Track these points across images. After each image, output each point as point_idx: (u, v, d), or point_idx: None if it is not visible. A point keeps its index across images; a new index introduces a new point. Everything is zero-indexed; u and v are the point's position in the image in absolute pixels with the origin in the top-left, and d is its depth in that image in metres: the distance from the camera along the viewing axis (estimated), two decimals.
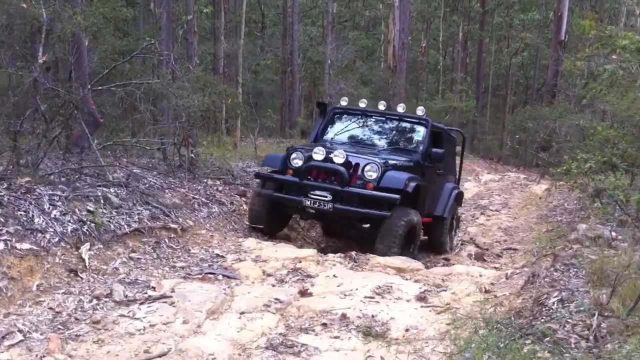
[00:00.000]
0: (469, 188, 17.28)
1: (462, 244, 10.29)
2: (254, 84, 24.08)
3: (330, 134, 9.23)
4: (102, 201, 6.56)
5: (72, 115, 8.23)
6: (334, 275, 6.33)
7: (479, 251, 9.56)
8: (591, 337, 3.88)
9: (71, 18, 8.56)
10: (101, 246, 5.94)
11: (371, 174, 7.71)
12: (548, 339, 3.91)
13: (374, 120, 9.39)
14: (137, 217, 6.75)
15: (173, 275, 5.99)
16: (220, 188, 9.14)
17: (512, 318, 4.61)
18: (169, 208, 7.38)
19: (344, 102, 9.42)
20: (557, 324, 4.12)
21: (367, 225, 8.00)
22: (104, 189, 6.94)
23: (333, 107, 9.64)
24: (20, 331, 4.26)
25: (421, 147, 8.80)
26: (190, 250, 6.92)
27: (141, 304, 5.02)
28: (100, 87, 8.97)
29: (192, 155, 9.63)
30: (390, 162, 8.07)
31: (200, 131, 11.78)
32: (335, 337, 4.68)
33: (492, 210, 13.71)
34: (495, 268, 8.02)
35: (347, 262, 7.03)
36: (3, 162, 7.02)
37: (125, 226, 6.45)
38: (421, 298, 5.68)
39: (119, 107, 10.94)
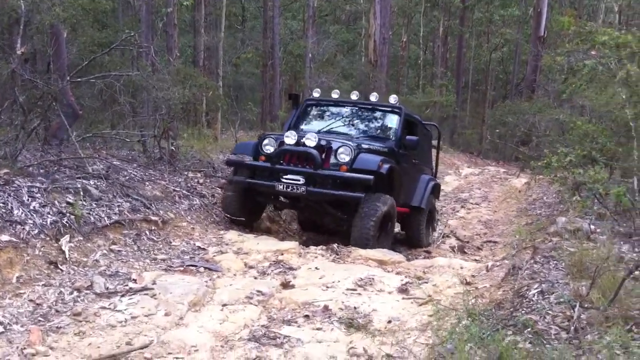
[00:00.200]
0: (449, 182, 17.38)
1: (443, 237, 10.33)
2: (235, 77, 23.98)
3: (303, 125, 9.16)
4: (81, 193, 6.50)
5: (51, 106, 8.14)
6: (316, 268, 6.33)
7: (459, 244, 9.62)
8: (572, 329, 3.91)
9: (50, 9, 8.45)
10: (81, 238, 5.88)
11: (344, 156, 7.64)
12: (529, 330, 3.93)
13: (347, 110, 9.38)
14: (117, 209, 6.70)
15: (154, 268, 5.95)
16: (201, 181, 9.10)
17: (493, 309, 4.64)
18: (150, 200, 7.32)
19: (316, 94, 9.41)
20: (538, 316, 4.15)
21: (343, 215, 7.99)
22: (84, 180, 6.88)
23: (306, 99, 9.64)
24: (0, 323, 4.22)
25: (395, 135, 8.77)
26: (171, 242, 6.88)
27: (122, 296, 4.98)
28: (79, 79, 8.88)
29: (173, 147, 9.57)
30: (363, 146, 8.01)
31: (181, 124, 11.71)
32: (318, 329, 4.69)
33: (472, 203, 13.80)
34: (476, 260, 8.07)
35: (329, 254, 7.03)
36: None
37: (106, 218, 6.40)
38: (403, 290, 5.70)
39: (98, 99, 10.84)
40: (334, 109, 9.41)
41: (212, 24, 21.42)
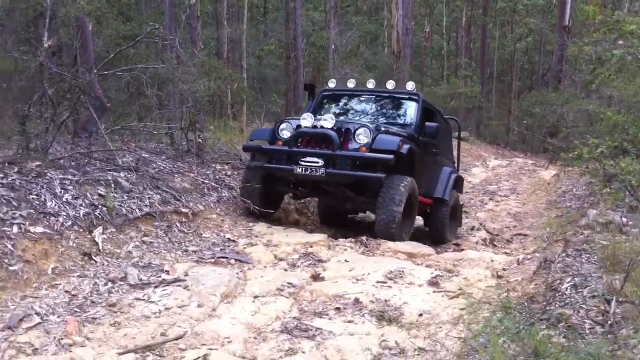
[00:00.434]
0: (477, 174, 17.29)
1: (472, 230, 10.27)
2: (258, 69, 23.99)
3: (319, 115, 8.98)
4: (112, 185, 6.56)
5: (79, 99, 8.20)
6: (346, 260, 6.34)
7: (489, 236, 9.55)
8: (607, 323, 3.87)
9: (74, 2, 8.51)
10: (114, 230, 5.94)
11: (363, 137, 7.52)
12: (562, 324, 3.90)
13: (363, 99, 9.25)
14: (148, 201, 6.75)
15: (186, 259, 6.00)
16: (228, 173, 9.12)
17: (526, 303, 4.60)
18: (179, 192, 7.37)
19: (332, 84, 9.32)
20: (571, 310, 4.11)
21: (365, 198, 7.89)
22: (114, 173, 6.94)
23: (321, 89, 9.52)
24: (37, 314, 4.27)
25: (413, 121, 8.63)
26: (201, 234, 6.92)
27: (155, 287, 5.02)
28: (106, 72, 8.92)
29: (200, 140, 9.61)
30: (382, 128, 7.87)
31: (207, 116, 11.75)
32: (349, 322, 4.69)
33: (500, 195, 13.72)
34: (506, 253, 8.01)
35: (358, 246, 7.04)
36: (13, 147, 7.00)
37: (137, 210, 6.45)
38: (433, 283, 5.69)
39: (125, 92, 10.90)
40: (350, 99, 9.31)
41: (235, 15, 21.46)
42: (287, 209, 9.07)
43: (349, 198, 8.01)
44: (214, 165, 9.21)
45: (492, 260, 6.76)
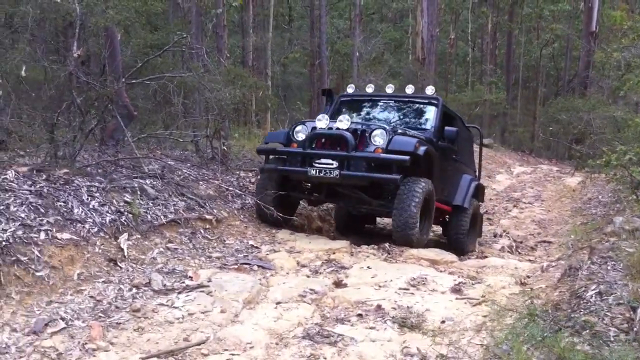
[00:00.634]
0: (501, 180, 17.18)
1: (495, 237, 10.21)
2: (283, 77, 24.12)
3: None
4: (138, 192, 6.65)
5: (107, 108, 8.33)
6: (368, 267, 6.34)
7: (513, 244, 9.47)
8: (632, 330, 3.84)
9: (103, 12, 8.64)
10: (139, 236, 6.03)
11: (378, 139, 7.37)
12: (587, 331, 3.87)
13: (382, 104, 9.10)
14: (173, 208, 6.84)
15: (209, 265, 6.06)
16: (252, 180, 9.18)
17: (550, 310, 4.57)
18: (204, 199, 7.44)
19: (350, 90, 9.23)
20: (596, 317, 4.08)
21: (381, 202, 7.74)
22: (140, 180, 7.03)
23: (340, 95, 9.41)
24: (62, 319, 4.35)
25: (432, 125, 8.45)
26: (225, 240, 6.99)
27: (179, 293, 5.09)
28: (134, 81, 9.04)
29: (224, 147, 9.69)
30: (399, 130, 7.72)
31: (232, 124, 11.84)
32: (371, 328, 4.69)
33: (525, 202, 13.61)
34: (530, 261, 7.95)
35: (381, 253, 7.04)
36: (41, 154, 7.14)
37: (162, 217, 6.54)
38: (456, 290, 5.66)
39: (152, 100, 11.03)
40: (369, 104, 9.17)
41: (260, 24, 21.62)
42: (310, 216, 9.11)
43: (365, 202, 7.87)
44: (238, 172, 9.29)
45: (515, 268, 6.72)
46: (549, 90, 33.92)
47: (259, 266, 6.18)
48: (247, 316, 4.84)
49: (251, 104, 13.90)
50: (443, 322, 4.83)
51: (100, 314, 4.56)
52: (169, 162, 8.36)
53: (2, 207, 5.07)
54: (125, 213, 6.12)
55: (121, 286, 5.09)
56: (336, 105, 9.10)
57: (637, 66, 9.69)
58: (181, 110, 10.24)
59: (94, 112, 8.12)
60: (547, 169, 19.88)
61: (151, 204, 6.63)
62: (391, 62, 26.72)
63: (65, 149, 7.13)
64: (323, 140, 7.58)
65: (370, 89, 9.17)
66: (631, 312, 4.02)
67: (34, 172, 6.11)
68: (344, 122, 7.43)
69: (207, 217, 7.16)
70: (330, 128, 7.49)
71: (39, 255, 4.84)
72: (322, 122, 7.52)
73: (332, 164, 7.32)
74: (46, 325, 4.21)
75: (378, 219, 10.25)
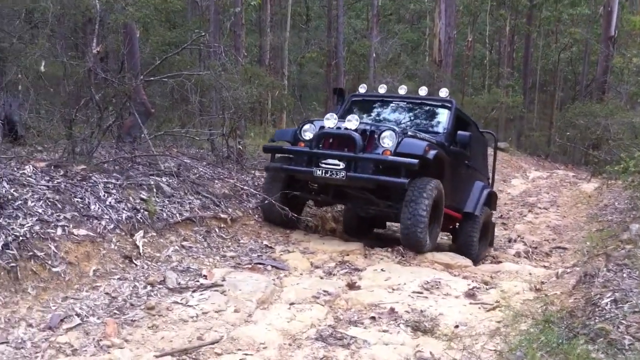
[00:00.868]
0: (516, 185, 17.11)
1: (510, 242, 10.16)
2: (299, 77, 24.15)
3: None
4: (154, 190, 6.69)
5: (125, 105, 8.38)
6: (382, 270, 6.34)
7: (527, 249, 9.41)
8: None
9: (124, 9, 8.70)
10: (154, 234, 6.06)
11: (387, 141, 7.14)
12: (602, 339, 3.85)
13: (394, 105, 8.88)
14: (188, 206, 6.87)
15: (223, 264, 6.09)
16: None
17: (564, 317, 4.54)
18: (219, 198, 7.47)
19: (362, 89, 9.02)
20: (611, 325, 4.05)
21: (390, 204, 7.52)
22: (156, 177, 7.07)
23: (351, 94, 9.22)
24: (77, 315, 4.39)
25: (445, 129, 8.20)
26: (239, 240, 7.01)
27: (193, 291, 5.11)
28: (152, 78, 9.08)
29: (240, 146, 9.72)
30: (409, 132, 7.49)
31: (248, 123, 11.86)
32: (384, 331, 4.69)
33: (540, 208, 13.52)
34: (545, 267, 7.91)
35: (394, 256, 7.03)
36: (59, 150, 7.20)
37: (177, 215, 6.57)
38: (470, 295, 5.65)
39: (169, 98, 11.08)
40: (380, 104, 8.93)
41: (278, 23, 21.65)
42: (324, 217, 9.11)
43: (373, 203, 7.65)
44: (253, 171, 9.30)
45: (530, 273, 6.69)
46: (567, 95, 33.74)
47: (272, 266, 6.20)
48: (261, 316, 4.85)
49: (267, 103, 13.93)
50: (457, 326, 4.83)
51: (115, 311, 4.59)
52: (185, 160, 8.39)
53: (20, 202, 5.12)
54: (141, 210, 6.15)
55: (136, 283, 5.12)
56: (347, 104, 8.92)
57: None
58: (198, 109, 10.27)
59: (112, 109, 8.19)
60: (563, 174, 19.76)
61: (167, 202, 6.67)
62: (408, 63, 26.62)
63: (82, 145, 7.19)
64: (331, 140, 7.39)
65: (382, 89, 8.99)
66: None
67: (52, 167, 6.16)
68: (352, 122, 7.23)
69: (222, 216, 7.18)
70: (339, 128, 7.30)
71: (56, 250, 4.89)
72: (330, 121, 7.34)
73: (338, 165, 7.12)
74: (62, 321, 4.25)
75: (389, 223, 10.00)
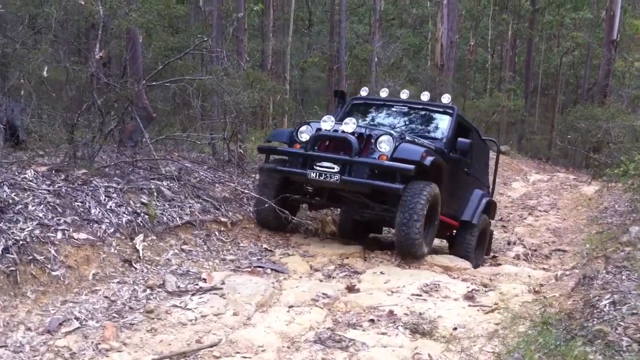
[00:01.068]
0: (517, 188, 17.11)
1: (509, 244, 10.17)
2: (301, 81, 24.18)
3: None
4: (155, 194, 6.72)
5: (127, 109, 8.42)
6: (381, 272, 6.37)
7: (527, 251, 9.42)
8: None
9: (127, 15, 8.73)
10: (154, 237, 6.09)
11: (384, 145, 7.00)
12: (600, 340, 3.86)
13: (395, 109, 8.71)
14: (188, 210, 6.89)
15: (223, 268, 6.12)
16: None
17: (563, 319, 4.56)
18: (219, 202, 7.50)
19: (364, 92, 8.83)
20: (609, 326, 4.07)
21: (385, 208, 7.35)
22: (157, 181, 7.10)
23: (352, 97, 9.08)
24: (76, 318, 4.41)
25: (445, 135, 8.06)
26: (239, 243, 7.03)
27: (193, 295, 5.13)
28: (154, 83, 9.11)
29: (241, 150, 9.75)
30: (407, 137, 7.35)
31: (249, 127, 11.90)
32: (383, 334, 4.71)
33: (540, 210, 13.54)
34: (544, 269, 7.92)
35: (394, 259, 7.05)
36: (60, 154, 7.24)
37: (178, 218, 6.60)
38: (469, 297, 5.67)
39: (171, 103, 11.12)
40: (381, 108, 8.78)
41: (280, 28, 21.71)
42: (324, 220, 9.13)
43: (368, 207, 7.48)
44: (254, 175, 9.31)
45: (529, 276, 6.70)
46: (568, 99, 33.73)
47: (272, 269, 6.22)
48: (260, 319, 4.88)
49: (269, 107, 13.96)
50: (455, 329, 4.84)
51: (114, 315, 4.62)
52: (186, 164, 8.42)
53: (20, 206, 5.14)
54: (142, 214, 6.18)
55: (135, 287, 5.14)
56: (347, 107, 8.79)
57: None
58: (199, 113, 10.30)
59: (114, 114, 8.22)
60: (563, 177, 19.75)
61: (167, 206, 6.70)
62: (410, 67, 26.64)
63: (84, 149, 7.23)
64: (327, 142, 7.26)
65: (384, 93, 8.83)
66: None
67: (53, 171, 6.19)
68: (349, 125, 7.08)
69: (222, 219, 7.21)
70: (336, 130, 7.17)
71: (55, 254, 4.91)
72: (327, 123, 7.21)
73: (333, 168, 6.98)
74: (60, 324, 4.27)
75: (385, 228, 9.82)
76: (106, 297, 4.88)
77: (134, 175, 7.16)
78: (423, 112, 8.61)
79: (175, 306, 4.88)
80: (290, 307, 5.21)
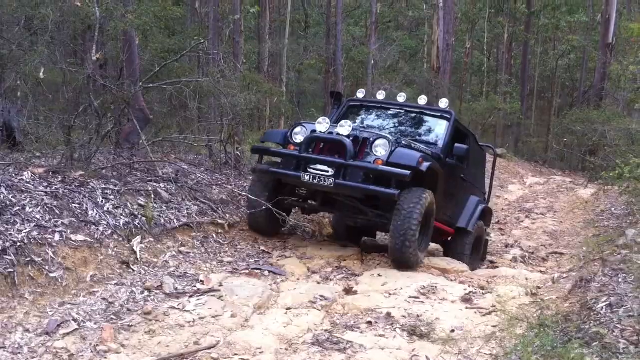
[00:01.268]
0: (514, 191, 17.14)
1: (506, 247, 10.18)
2: (298, 83, 24.19)
3: None
4: (152, 196, 6.71)
5: (123, 111, 8.41)
6: (379, 275, 6.37)
7: (524, 254, 9.44)
8: None
9: (123, 17, 8.74)
10: (152, 239, 6.09)
11: (380, 149, 6.85)
12: (597, 343, 3.87)
13: (391, 112, 8.58)
14: (186, 212, 6.90)
15: (221, 270, 6.12)
16: None
17: (560, 322, 4.57)
18: (217, 204, 7.50)
19: (360, 95, 8.60)
20: (606, 329, 4.08)
21: (380, 214, 7.20)
22: (154, 184, 7.10)
23: (348, 99, 8.94)
24: (75, 320, 4.41)
25: (441, 141, 7.94)
26: (237, 245, 7.03)
27: (190, 297, 5.14)
28: (150, 85, 9.10)
29: (238, 152, 9.76)
30: (403, 142, 7.19)
31: (246, 129, 11.90)
32: (381, 336, 4.72)
33: (537, 213, 13.54)
34: (541, 272, 7.92)
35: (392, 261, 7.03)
36: (57, 156, 7.22)
37: (175, 221, 6.60)
38: (466, 299, 5.67)
39: (168, 105, 11.11)
40: (377, 111, 8.64)
41: (276, 30, 21.72)
42: (321, 223, 9.12)
43: (362, 212, 7.34)
44: (250, 177, 9.31)
45: (526, 279, 6.70)
46: (564, 102, 33.81)
47: (270, 271, 6.23)
48: (258, 321, 4.88)
49: (266, 109, 13.97)
50: (453, 331, 4.85)
51: (112, 316, 4.62)
52: (183, 166, 8.42)
53: (18, 207, 5.14)
54: (139, 216, 6.19)
55: (133, 289, 5.14)
56: (343, 109, 8.63)
57: None
58: (196, 115, 10.31)
59: (111, 115, 8.21)
60: (560, 180, 19.78)
61: (165, 208, 6.70)
62: (406, 70, 26.66)
63: (81, 151, 7.22)
64: (322, 145, 7.09)
65: (381, 95, 8.76)
66: None
67: (50, 173, 6.19)
68: (345, 128, 6.90)
69: (220, 221, 7.21)
70: (331, 132, 6.99)
71: (53, 256, 4.91)
72: (322, 125, 7.02)
73: (327, 171, 6.77)
74: (59, 326, 4.27)
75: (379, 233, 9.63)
76: (104, 298, 4.88)
77: (131, 177, 7.16)
78: (420, 116, 8.49)
79: (173, 308, 4.88)
80: (288, 309, 5.22)
